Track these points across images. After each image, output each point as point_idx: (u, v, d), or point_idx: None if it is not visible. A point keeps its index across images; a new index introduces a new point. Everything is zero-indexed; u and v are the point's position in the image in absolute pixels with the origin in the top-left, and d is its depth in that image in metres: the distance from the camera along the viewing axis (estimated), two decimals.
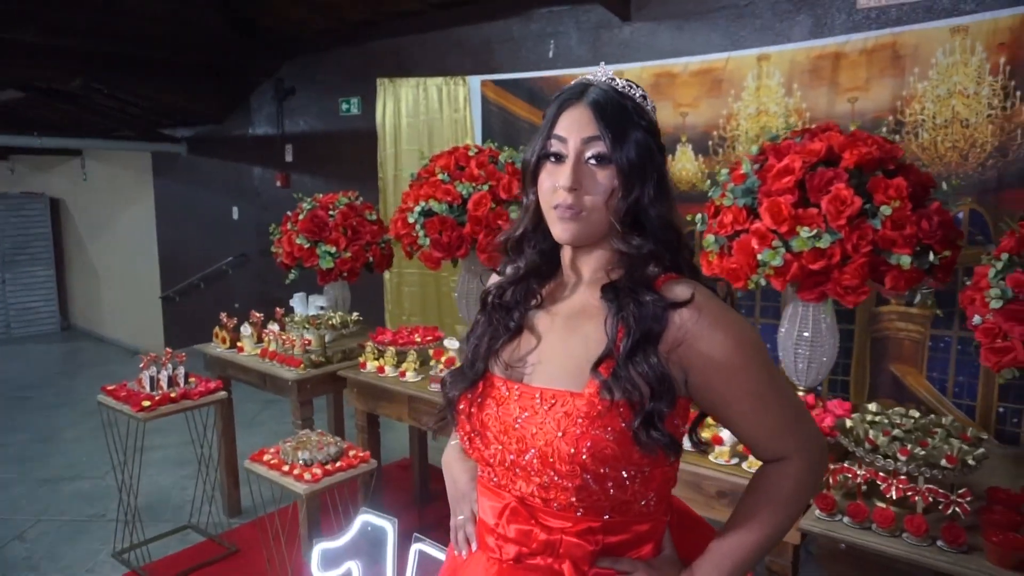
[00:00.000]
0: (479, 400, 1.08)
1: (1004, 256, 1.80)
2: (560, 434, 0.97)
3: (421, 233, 2.85)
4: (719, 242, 2.14)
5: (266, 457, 2.50)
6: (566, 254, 1.13)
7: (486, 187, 2.81)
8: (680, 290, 1.01)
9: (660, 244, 1.04)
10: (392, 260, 3.40)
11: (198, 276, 6.71)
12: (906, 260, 1.89)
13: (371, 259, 3.23)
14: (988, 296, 1.74)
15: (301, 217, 3.19)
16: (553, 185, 1.04)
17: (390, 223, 3.08)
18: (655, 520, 1.05)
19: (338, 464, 2.46)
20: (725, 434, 1.90)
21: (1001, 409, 3.03)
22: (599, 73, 1.09)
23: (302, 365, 2.85)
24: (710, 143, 3.66)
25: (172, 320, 7.39)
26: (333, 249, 3.12)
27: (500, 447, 1.04)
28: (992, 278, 1.79)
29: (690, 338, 0.99)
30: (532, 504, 1.04)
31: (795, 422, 1.04)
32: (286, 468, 2.41)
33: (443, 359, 2.74)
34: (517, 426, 1.02)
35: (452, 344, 2.85)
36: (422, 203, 2.84)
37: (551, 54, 4.15)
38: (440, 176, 2.86)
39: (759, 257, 2.03)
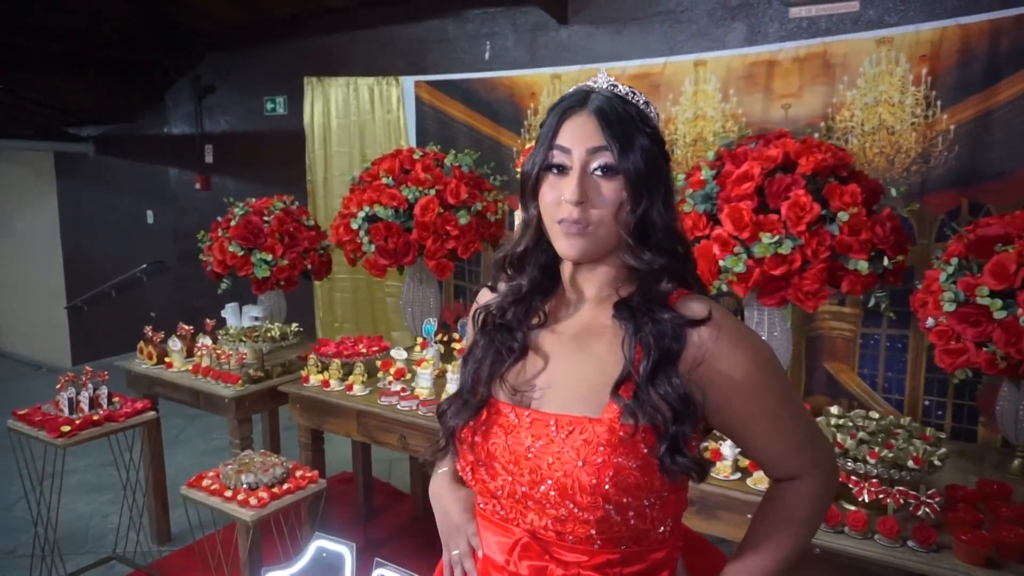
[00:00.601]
0: (483, 428, 1.01)
1: (954, 260, 1.87)
2: (580, 464, 0.92)
3: (366, 239, 2.74)
4: None
5: (205, 482, 2.33)
6: (566, 270, 1.07)
7: (433, 191, 2.72)
8: (697, 307, 0.98)
9: (670, 257, 1.00)
10: (331, 267, 3.26)
11: (109, 284, 6.29)
12: (864, 265, 1.93)
13: (309, 267, 3.09)
14: (942, 299, 1.80)
15: (233, 223, 3.01)
16: (557, 198, 0.98)
17: (331, 229, 2.95)
18: (671, 547, 1.01)
19: (285, 486, 2.32)
20: (726, 449, 1.89)
21: (927, 402, 3.18)
22: (599, 80, 1.04)
23: (240, 381, 2.68)
24: None
25: (80, 331, 6.90)
26: (269, 257, 2.96)
27: (509, 478, 0.98)
28: (944, 282, 1.85)
29: (710, 357, 0.96)
30: (545, 538, 0.98)
31: (809, 440, 1.03)
32: (229, 493, 2.26)
33: (392, 371, 2.64)
34: (530, 456, 0.96)
35: (400, 354, 2.76)
36: (366, 208, 2.73)
37: (487, 55, 4.09)
38: (385, 180, 2.76)
39: (721, 263, 2.04)
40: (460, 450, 1.04)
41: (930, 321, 1.86)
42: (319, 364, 2.73)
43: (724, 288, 2.06)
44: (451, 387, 2.53)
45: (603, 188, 0.96)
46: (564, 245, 0.99)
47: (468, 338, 1.21)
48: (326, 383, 2.66)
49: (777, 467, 1.03)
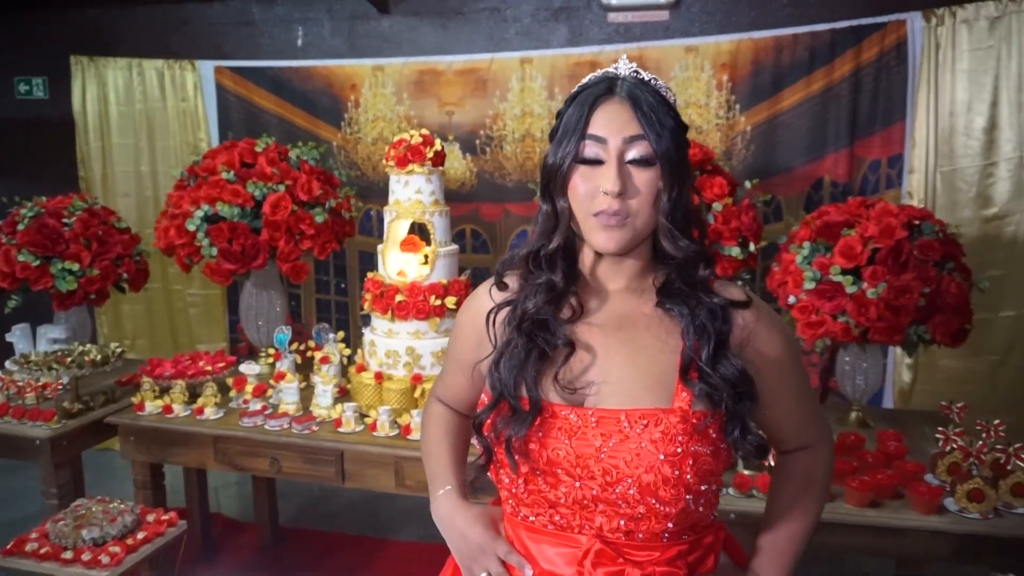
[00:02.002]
0: (539, 434, 0.95)
1: (806, 244, 2.13)
2: (662, 457, 0.90)
3: (206, 242, 2.41)
4: None
5: (29, 546, 1.90)
6: (588, 261, 1.04)
7: (282, 187, 2.48)
8: (733, 291, 1.01)
9: (700, 243, 1.01)
10: (148, 276, 2.83)
11: None
12: (736, 251, 2.12)
13: (125, 276, 2.64)
14: (805, 278, 2.04)
15: (21, 227, 2.47)
16: (592, 190, 0.95)
17: (155, 231, 2.55)
18: (716, 529, 1.03)
19: (140, 535, 1.97)
20: None
21: None
22: (620, 66, 1.01)
23: (55, 418, 2.21)
24: (477, 142, 3.70)
25: None
26: (75, 266, 2.48)
27: (576, 483, 0.93)
28: (801, 263, 2.10)
29: (753, 338, 0.99)
30: (615, 540, 0.94)
31: (817, 411, 1.11)
32: (68, 555, 1.86)
33: (248, 388, 2.36)
34: (603, 456, 0.92)
35: (251, 369, 2.48)
36: (205, 207, 2.41)
37: (300, 42, 3.82)
38: (225, 175, 2.45)
39: None
40: (510, 461, 0.95)
41: (792, 298, 2.10)
42: (155, 388, 2.36)
43: None
44: (321, 400, 2.33)
45: (639, 178, 0.94)
46: (602, 238, 0.96)
47: (468, 339, 1.12)
48: (168, 409, 2.30)
49: (794, 439, 1.09)
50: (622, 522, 0.93)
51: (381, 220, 3.97)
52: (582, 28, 3.57)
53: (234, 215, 2.41)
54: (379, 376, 2.29)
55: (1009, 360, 3.23)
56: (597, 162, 0.95)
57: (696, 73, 3.47)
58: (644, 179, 0.94)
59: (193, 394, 2.38)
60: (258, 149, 2.55)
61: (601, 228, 0.95)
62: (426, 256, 2.36)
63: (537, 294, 1.01)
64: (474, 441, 1.89)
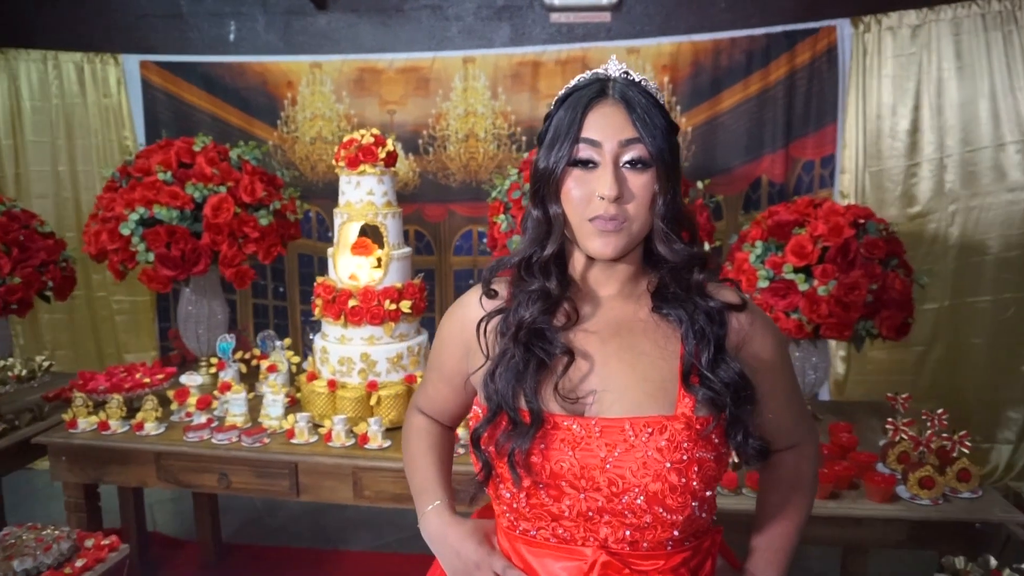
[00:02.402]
0: (541, 447, 0.92)
1: (759, 243, 2.18)
2: (668, 465, 0.89)
3: (142, 247, 2.28)
4: None
5: None
6: (579, 267, 1.02)
7: (223, 189, 2.37)
8: (727, 293, 1.01)
9: (693, 245, 1.01)
10: (75, 283, 2.65)
11: None
12: None
13: (50, 284, 2.47)
14: (759, 277, 2.09)
15: None
16: (587, 195, 0.93)
17: (84, 235, 2.39)
18: (714, 532, 1.02)
19: (79, 563, 1.84)
20: None
21: None
22: (610, 67, 0.99)
23: None
24: (420, 142, 3.65)
25: None
26: None
27: (581, 495, 0.91)
28: (754, 262, 2.15)
29: (748, 340, 0.99)
30: (619, 551, 0.93)
31: (805, 410, 1.12)
32: None
33: (191, 401, 2.24)
34: (608, 467, 0.90)
35: (193, 380, 2.35)
36: (140, 209, 2.27)
37: (232, 37, 3.67)
38: (161, 176, 2.32)
39: None
40: (513, 475, 0.92)
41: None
42: (89, 403, 2.21)
43: None
44: (271, 410, 2.24)
45: (635, 181, 0.93)
46: (598, 244, 0.94)
47: (453, 350, 1.09)
48: (104, 425, 2.16)
49: (784, 439, 1.10)
50: (627, 532, 0.92)
51: (321, 222, 3.89)
52: (525, 28, 3.56)
53: (172, 218, 2.28)
54: (332, 384, 2.21)
55: (932, 351, 3.41)
56: (592, 166, 0.93)
57: (639, 74, 3.50)
58: (640, 182, 0.93)
59: (131, 408, 2.25)
60: (196, 148, 2.43)
61: (597, 233, 0.94)
62: (379, 259, 2.30)
63: (532, 302, 0.98)
64: (461, 449, 1.85)
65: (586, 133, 0.93)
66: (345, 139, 2.27)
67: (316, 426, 2.18)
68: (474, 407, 1.02)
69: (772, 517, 1.10)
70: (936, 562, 1.73)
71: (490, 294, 1.04)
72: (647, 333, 0.98)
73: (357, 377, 2.23)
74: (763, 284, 2.09)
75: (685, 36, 3.45)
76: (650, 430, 0.91)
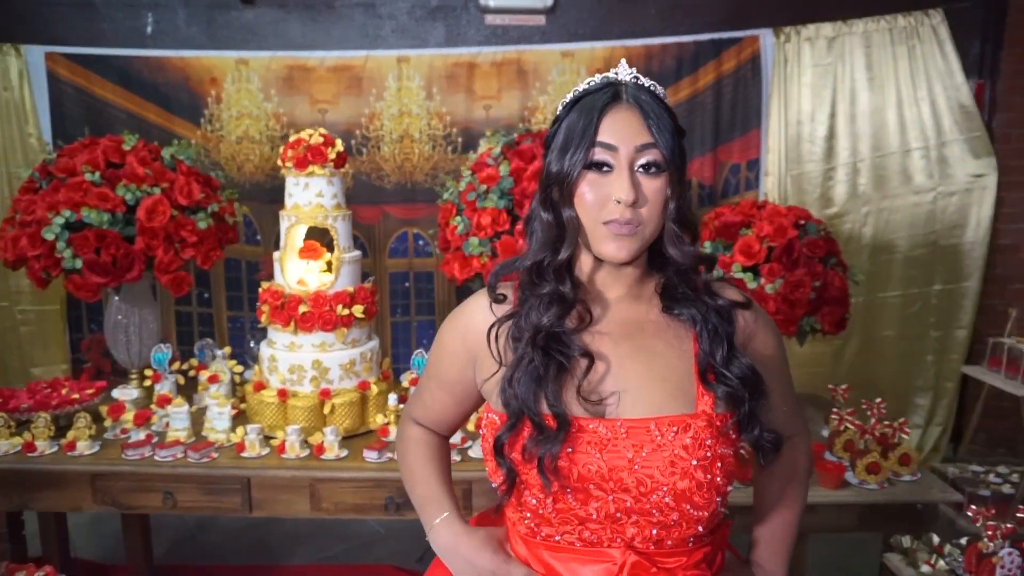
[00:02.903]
0: (568, 451, 0.92)
1: (707, 244, 2.25)
2: (694, 462, 0.90)
3: (68, 253, 2.12)
4: (483, 244, 2.14)
5: None
6: (586, 270, 1.03)
7: (158, 190, 2.23)
8: (731, 292, 1.04)
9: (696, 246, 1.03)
10: None
11: None
12: None
13: None
14: (713, 277, 2.15)
15: None
16: (602, 199, 0.94)
17: (0, 240, 2.20)
18: (724, 526, 1.05)
19: None
20: None
21: None
22: (621, 71, 1.01)
23: None
24: (353, 142, 3.57)
25: None
26: None
27: (609, 497, 0.91)
28: None
29: (752, 337, 1.03)
30: (646, 551, 0.94)
31: (797, 403, 1.16)
32: None
33: (127, 416, 2.10)
34: (636, 468, 0.91)
35: (128, 394, 2.21)
36: (66, 212, 2.11)
37: (150, 30, 3.47)
38: (89, 176, 2.16)
39: None
40: (544, 481, 0.91)
41: None
42: (11, 423, 2.03)
43: None
44: (217, 423, 2.13)
45: (649, 185, 0.95)
46: (612, 248, 0.95)
47: (455, 357, 1.07)
48: (30, 446, 2.00)
49: (781, 431, 1.14)
50: (654, 531, 0.93)
51: (248, 224, 3.73)
52: (459, 28, 3.54)
53: (103, 222, 2.13)
54: (283, 393, 2.13)
55: (849, 344, 3.61)
56: (606, 169, 0.94)
57: (573, 78, 3.56)
58: (654, 187, 0.94)
59: (59, 427, 2.08)
60: (126, 147, 2.27)
61: (612, 237, 0.94)
62: (329, 263, 2.23)
63: (546, 306, 0.97)
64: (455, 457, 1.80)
65: (602, 137, 0.94)
66: (292, 139, 2.19)
67: (268, 438, 2.09)
68: (489, 415, 1.01)
69: (772, 508, 1.13)
70: (861, 546, 1.83)
71: (499, 299, 1.03)
72: (659, 333, 1.00)
73: (309, 385, 2.15)
74: None
75: (618, 41, 3.53)
76: (675, 429, 0.92)
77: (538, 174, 2.14)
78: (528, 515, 0.97)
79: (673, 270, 1.01)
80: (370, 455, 2.02)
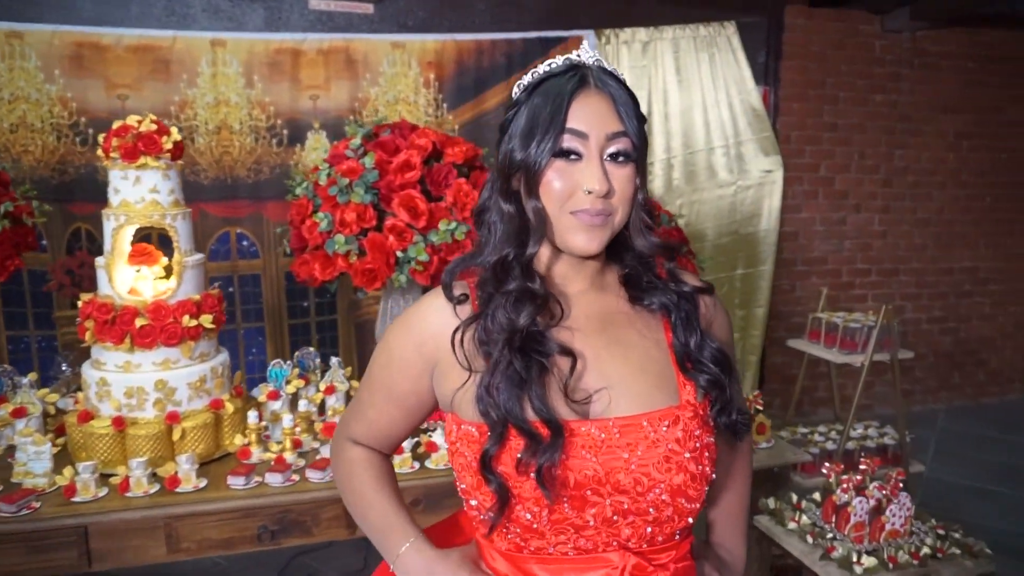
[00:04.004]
0: (562, 458, 0.86)
1: None
2: (687, 455, 0.90)
3: None
4: (350, 242, 1.99)
5: None
6: (543, 262, 0.97)
7: None
8: (690, 277, 1.04)
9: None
10: None
11: None
12: None
13: None
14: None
15: None
16: (570, 188, 0.90)
17: None
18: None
19: None
20: (438, 438, 1.84)
21: None
22: (583, 54, 0.96)
23: None
24: None
25: None
26: None
27: (606, 501, 0.87)
28: None
29: (712, 321, 1.04)
30: (640, 550, 0.91)
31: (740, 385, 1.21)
32: None
33: None
34: (633, 467, 0.88)
35: None
36: None
37: None
38: None
39: (400, 254, 2.01)
40: (544, 492, 0.85)
41: None
42: None
43: (403, 280, 2.03)
44: (34, 465, 1.77)
45: (618, 174, 0.91)
46: (583, 239, 0.90)
47: (409, 367, 0.97)
48: None
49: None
50: (648, 529, 0.90)
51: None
52: (281, 12, 3.29)
53: None
54: (119, 422, 1.82)
55: None
56: (574, 157, 0.90)
57: (404, 70, 3.46)
58: (623, 175, 0.91)
59: None
60: None
61: (582, 228, 0.90)
62: (167, 268, 1.95)
63: (516, 305, 0.91)
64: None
65: (572, 124, 0.89)
66: (116, 125, 1.88)
67: (105, 476, 1.78)
68: (463, 427, 0.91)
69: (723, 487, 1.15)
70: None
71: (460, 300, 0.95)
72: (630, 324, 0.97)
73: (152, 410, 1.87)
74: None
75: (448, 35, 3.49)
76: (666, 423, 0.90)
77: (404, 167, 2.05)
78: (518, 530, 0.90)
79: (635, 259, 0.99)
80: (236, 481, 1.80)
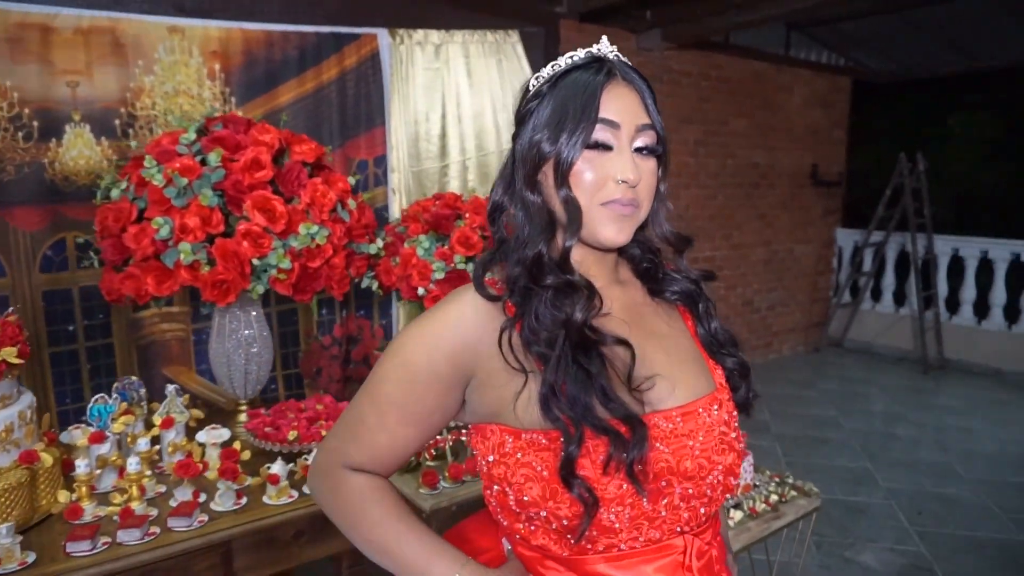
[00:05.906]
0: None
1: (422, 237, 2.25)
2: (733, 436, 0.95)
3: None
4: (197, 250, 1.73)
5: None
6: (575, 256, 0.95)
7: None
8: (686, 264, 1.08)
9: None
10: None
11: None
12: (374, 248, 2.08)
13: None
14: (435, 269, 2.16)
15: None
16: (601, 179, 0.90)
17: None
18: None
19: None
20: (278, 468, 1.67)
21: None
22: (603, 48, 0.96)
23: None
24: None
25: None
26: None
27: (677, 490, 0.89)
28: (424, 255, 2.21)
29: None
30: (695, 533, 0.93)
31: None
32: None
33: None
34: (697, 453, 0.91)
35: None
36: None
37: None
38: None
39: (257, 262, 1.80)
40: (636, 488, 0.83)
41: (421, 290, 2.19)
42: None
43: (260, 290, 1.82)
44: None
45: (644, 166, 0.91)
46: (613, 230, 0.91)
47: (438, 380, 0.91)
48: None
49: None
50: (702, 510, 0.92)
51: None
52: None
53: None
54: None
55: None
56: (605, 149, 0.90)
57: (185, 58, 3.09)
58: (648, 168, 0.92)
59: None
60: None
61: (613, 219, 0.90)
62: None
63: (561, 298, 0.89)
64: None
65: (605, 114, 0.90)
66: None
67: None
68: (529, 435, 0.86)
69: None
70: None
71: (496, 298, 0.90)
72: (657, 315, 1.00)
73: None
74: (439, 276, 2.17)
75: (235, 22, 3.18)
76: (715, 407, 0.94)
77: (253, 165, 1.85)
78: (594, 532, 0.86)
79: (644, 253, 1.01)
80: (78, 547, 1.48)
